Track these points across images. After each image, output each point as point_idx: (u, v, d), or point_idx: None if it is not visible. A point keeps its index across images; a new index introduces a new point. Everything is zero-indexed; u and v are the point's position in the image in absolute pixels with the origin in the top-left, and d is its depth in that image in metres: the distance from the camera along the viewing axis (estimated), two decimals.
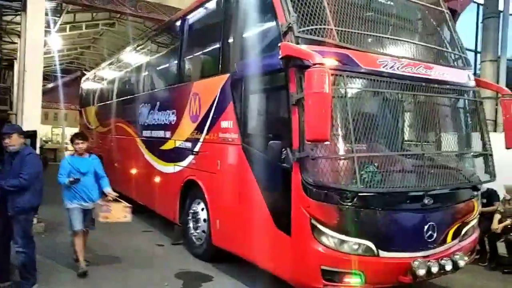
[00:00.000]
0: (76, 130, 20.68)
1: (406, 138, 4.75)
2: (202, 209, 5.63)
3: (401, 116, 4.60)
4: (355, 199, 3.80)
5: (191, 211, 5.85)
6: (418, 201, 4.11)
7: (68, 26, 15.95)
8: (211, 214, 5.37)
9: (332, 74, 3.57)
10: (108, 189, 5.26)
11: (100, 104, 11.79)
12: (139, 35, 13.99)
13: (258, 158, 4.44)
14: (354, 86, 4.00)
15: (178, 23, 6.97)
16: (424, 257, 4.06)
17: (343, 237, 3.82)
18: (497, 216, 6.09)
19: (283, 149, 4.00)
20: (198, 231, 5.74)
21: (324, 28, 4.01)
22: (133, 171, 8.35)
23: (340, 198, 3.77)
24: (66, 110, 26.32)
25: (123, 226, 7.40)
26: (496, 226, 6.00)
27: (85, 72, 19.47)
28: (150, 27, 12.82)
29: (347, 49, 4.02)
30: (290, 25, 3.97)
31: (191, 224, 5.89)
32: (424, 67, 4.45)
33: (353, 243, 3.84)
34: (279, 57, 3.98)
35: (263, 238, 4.36)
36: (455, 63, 5.04)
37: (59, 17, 13.32)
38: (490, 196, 6.29)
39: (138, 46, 9.39)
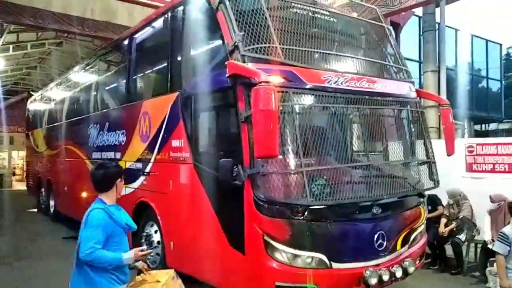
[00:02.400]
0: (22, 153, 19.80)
1: (353, 150, 4.88)
2: (156, 231, 5.49)
3: (348, 128, 4.72)
4: (305, 213, 3.85)
5: (144, 233, 5.68)
6: (367, 211, 4.22)
7: (11, 46, 15.28)
8: (164, 236, 5.25)
9: (278, 91, 3.64)
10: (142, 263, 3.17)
11: (48, 126, 11.34)
12: (88, 53, 13.64)
13: (210, 176, 4.40)
14: (300, 102, 4.08)
15: (126, 41, 6.87)
16: (375, 266, 4.15)
17: (296, 251, 3.85)
18: (443, 220, 6.37)
19: (235, 167, 3.99)
20: (152, 254, 5.57)
21: (269, 46, 4.07)
22: (83, 194, 8.03)
23: (291, 212, 3.81)
24: (12, 133, 25.04)
25: (68, 257, 7.16)
26: (443, 229, 6.26)
27: (32, 93, 18.69)
28: (99, 45, 12.53)
29: (292, 67, 4.10)
30: (236, 44, 4.01)
31: (144, 247, 5.70)
32: (367, 81, 4.62)
33: (306, 256, 3.87)
34: (226, 75, 4.00)
35: (217, 258, 4.31)
36: (397, 75, 5.26)
37: (0, 37, 12.75)
38: (433, 202, 6.57)
39: (86, 65, 9.15)
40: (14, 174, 24.71)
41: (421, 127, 5.12)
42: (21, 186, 18.80)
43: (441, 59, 10.72)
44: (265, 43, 4.07)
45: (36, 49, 16.91)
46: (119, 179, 3.07)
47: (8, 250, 7.46)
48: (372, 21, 5.60)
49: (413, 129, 5.07)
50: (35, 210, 12.36)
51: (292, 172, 3.86)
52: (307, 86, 4.11)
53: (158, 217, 5.35)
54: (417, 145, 5.05)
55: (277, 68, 4.00)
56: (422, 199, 5.02)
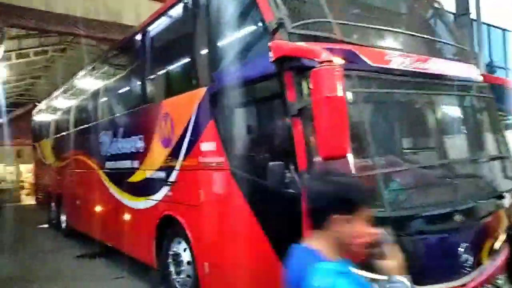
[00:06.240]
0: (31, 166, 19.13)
1: (426, 146, 4.09)
2: (185, 250, 4.72)
3: (421, 120, 3.94)
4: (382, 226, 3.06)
5: (171, 252, 4.93)
6: (450, 220, 3.42)
7: (13, 53, 14.66)
8: (196, 256, 4.48)
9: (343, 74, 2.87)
10: None
11: (56, 136, 10.68)
12: (94, 59, 12.98)
13: (254, 184, 3.64)
14: (367, 88, 3.30)
15: (139, 37, 6.14)
16: (462, 286, 3.36)
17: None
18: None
19: (286, 171, 3.24)
20: (181, 276, 4.80)
21: (323, 22, 3.33)
22: (97, 208, 7.30)
23: None
24: (20, 146, 24.36)
25: (88, 273, 6.50)
26: None
27: (37, 104, 18.09)
28: (105, 49, 11.86)
29: (350, 45, 3.34)
30: (281, 20, 3.27)
31: (172, 268, 4.95)
32: (434, 62, 3.84)
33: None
34: (271, 60, 3.24)
35: (268, 283, 3.53)
36: (460, 57, 4.48)
37: (1, 43, 12.08)
38: None
39: (93, 69, 8.47)
40: (23, 188, 24.05)
41: (494, 116, 4.33)
42: (31, 201, 18.13)
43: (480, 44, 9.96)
44: (312, 18, 3.33)
45: (39, 57, 16.31)
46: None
47: (15, 271, 6.76)
48: None
49: (488, 120, 4.27)
50: (46, 225, 11.67)
51: (366, 175, 3.08)
52: (373, 69, 3.34)
53: (188, 233, 4.57)
54: (493, 138, 4.24)
55: (335, 47, 3.22)
56: (502, 202, 4.21)
